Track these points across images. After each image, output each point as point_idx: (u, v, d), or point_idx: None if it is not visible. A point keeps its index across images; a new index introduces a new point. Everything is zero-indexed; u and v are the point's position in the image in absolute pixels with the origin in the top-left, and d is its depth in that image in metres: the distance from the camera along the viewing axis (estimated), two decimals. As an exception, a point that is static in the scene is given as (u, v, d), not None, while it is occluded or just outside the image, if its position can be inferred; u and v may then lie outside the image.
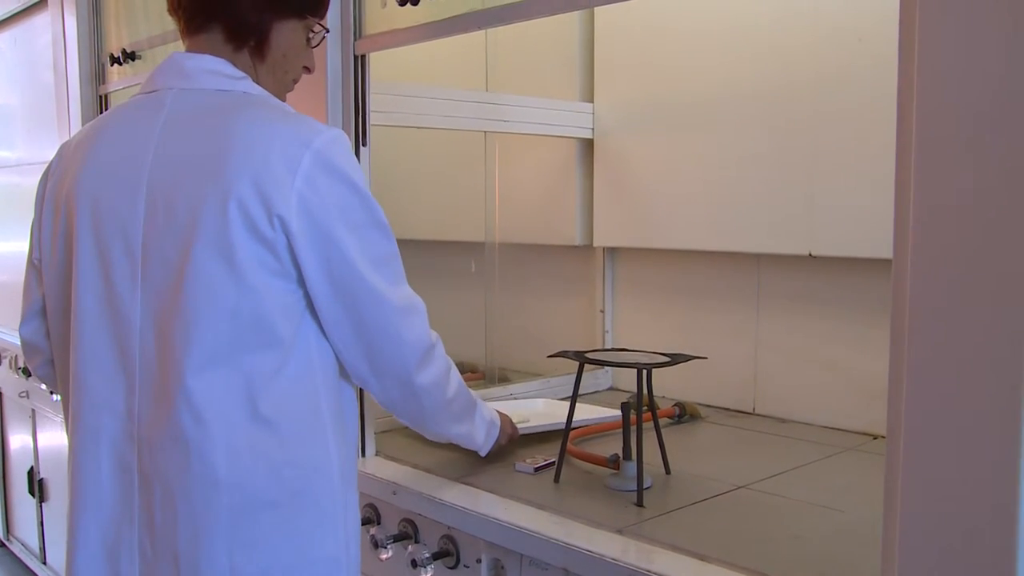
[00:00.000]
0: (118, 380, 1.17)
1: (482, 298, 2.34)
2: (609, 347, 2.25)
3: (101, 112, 2.55)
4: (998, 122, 0.79)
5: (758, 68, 1.88)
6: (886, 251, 0.89)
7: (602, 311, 2.30)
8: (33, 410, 3.07)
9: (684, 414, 1.93)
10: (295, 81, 1.34)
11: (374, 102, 1.67)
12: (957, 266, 0.82)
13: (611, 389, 2.28)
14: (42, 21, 2.86)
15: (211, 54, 1.22)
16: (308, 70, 1.34)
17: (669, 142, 2.07)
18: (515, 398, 2.07)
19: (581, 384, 1.54)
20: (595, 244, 2.27)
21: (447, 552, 1.44)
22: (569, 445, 1.56)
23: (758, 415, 1.99)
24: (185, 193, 1.13)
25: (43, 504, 3.10)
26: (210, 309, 1.11)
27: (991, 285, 0.80)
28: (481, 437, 1.51)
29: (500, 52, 2.31)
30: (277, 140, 1.13)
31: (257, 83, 1.25)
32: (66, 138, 1.44)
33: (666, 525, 1.31)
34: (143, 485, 1.16)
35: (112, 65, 2.53)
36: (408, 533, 1.52)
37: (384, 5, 1.58)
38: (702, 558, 1.18)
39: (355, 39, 1.63)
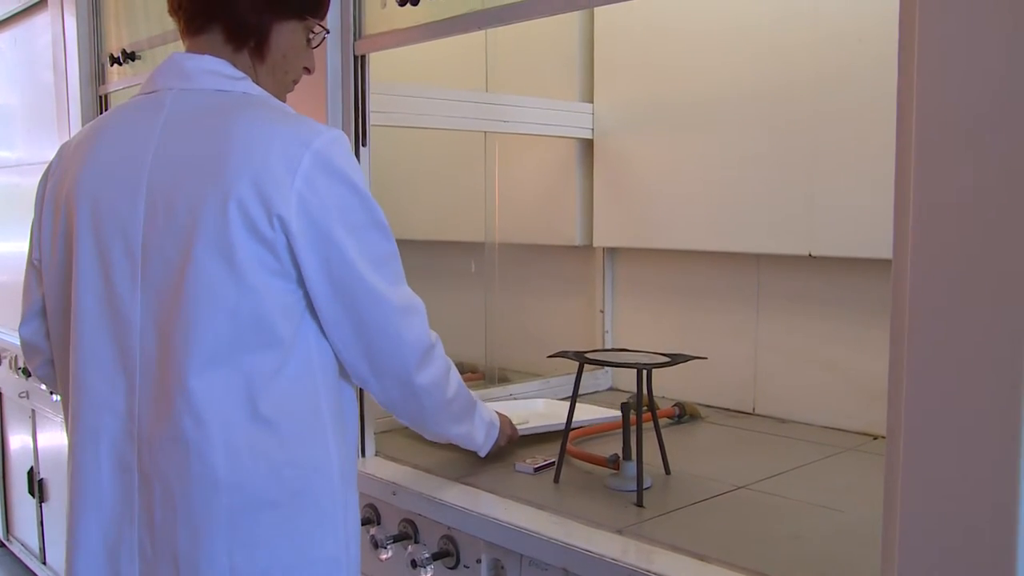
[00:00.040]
0: (118, 380, 1.17)
1: (482, 298, 2.34)
2: (609, 347, 2.25)
3: (101, 112, 2.55)
4: (998, 122, 0.79)
5: (758, 68, 1.88)
6: (886, 251, 0.88)
7: (602, 311, 2.30)
8: (33, 410, 3.07)
9: (684, 414, 1.93)
10: (295, 82, 1.34)
11: (374, 102, 1.67)
12: (957, 266, 0.82)
13: (611, 389, 2.28)
14: (42, 21, 2.86)
15: (211, 55, 1.22)
16: (308, 71, 1.34)
17: (669, 142, 2.07)
18: (515, 398, 2.07)
19: (581, 384, 1.54)
20: (595, 244, 2.27)
21: (447, 552, 1.44)
22: (569, 445, 1.56)
23: (758, 415, 1.99)
24: (185, 193, 1.13)
25: (43, 504, 3.10)
26: (210, 309, 1.11)
27: (991, 285, 0.80)
28: (481, 437, 1.51)
29: (500, 52, 2.31)
30: (277, 140, 1.13)
31: (257, 84, 1.25)
32: (66, 138, 1.44)
33: (666, 525, 1.31)
34: (143, 485, 1.16)
35: (112, 65, 2.53)
36: (408, 533, 1.52)
37: (384, 5, 1.58)
38: (702, 558, 1.18)
39: (355, 39, 1.63)
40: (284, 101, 1.29)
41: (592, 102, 2.24)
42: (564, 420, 1.54)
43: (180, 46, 1.28)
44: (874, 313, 1.72)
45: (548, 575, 1.28)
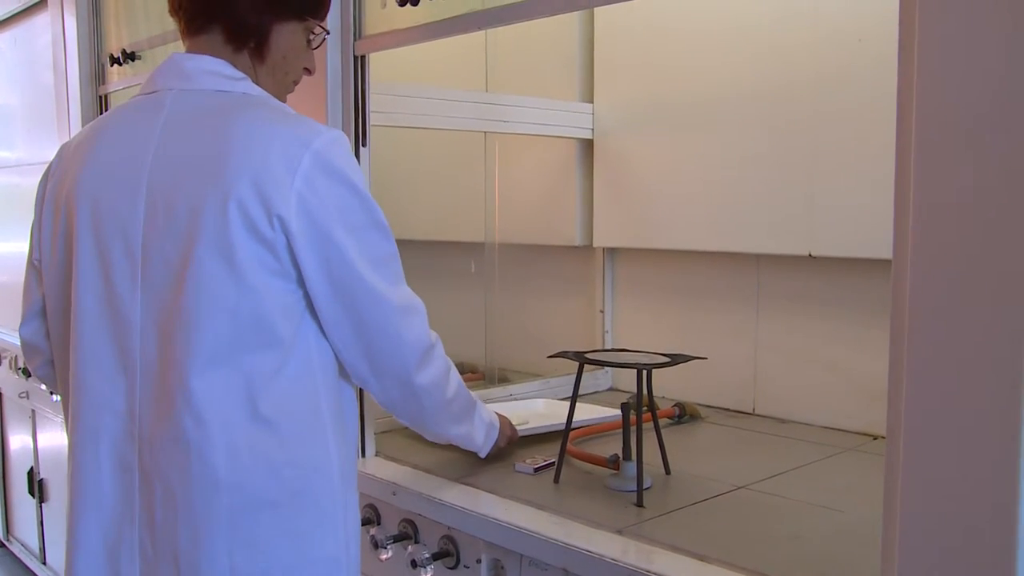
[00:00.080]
0: (118, 380, 1.17)
1: (482, 298, 2.34)
2: (609, 347, 2.25)
3: (101, 112, 2.56)
4: (998, 122, 0.79)
5: (758, 68, 1.88)
6: (886, 251, 0.88)
7: (602, 311, 2.30)
8: (33, 410, 3.07)
9: (684, 414, 1.93)
10: (295, 83, 1.34)
11: (374, 102, 1.67)
12: (957, 266, 0.82)
13: (611, 389, 2.28)
14: (42, 21, 2.86)
15: (211, 55, 1.22)
16: (308, 72, 1.34)
17: (669, 142, 2.07)
18: (515, 399, 2.07)
19: (581, 384, 1.54)
20: (595, 244, 2.27)
21: (447, 552, 1.44)
22: (569, 445, 1.56)
23: (758, 415, 1.99)
24: (185, 194, 1.13)
25: (43, 504, 3.10)
26: (210, 309, 1.11)
27: (991, 285, 0.80)
28: (480, 438, 1.51)
29: (500, 52, 2.31)
30: (277, 140, 1.13)
31: (257, 84, 1.25)
32: (66, 138, 1.44)
33: (666, 525, 1.31)
34: (144, 484, 1.16)
35: (112, 65, 2.53)
36: (408, 533, 1.52)
37: (384, 5, 1.58)
38: (702, 558, 1.18)
39: (355, 39, 1.63)
40: (284, 102, 1.29)
41: (592, 102, 2.24)
42: (564, 420, 1.54)
43: (180, 46, 1.28)
44: (874, 313, 1.72)
45: (548, 575, 1.28)
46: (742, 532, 1.29)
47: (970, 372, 0.82)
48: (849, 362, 1.82)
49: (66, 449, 1.26)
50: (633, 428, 1.45)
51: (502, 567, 1.37)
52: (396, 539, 1.52)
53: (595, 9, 2.18)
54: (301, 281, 1.15)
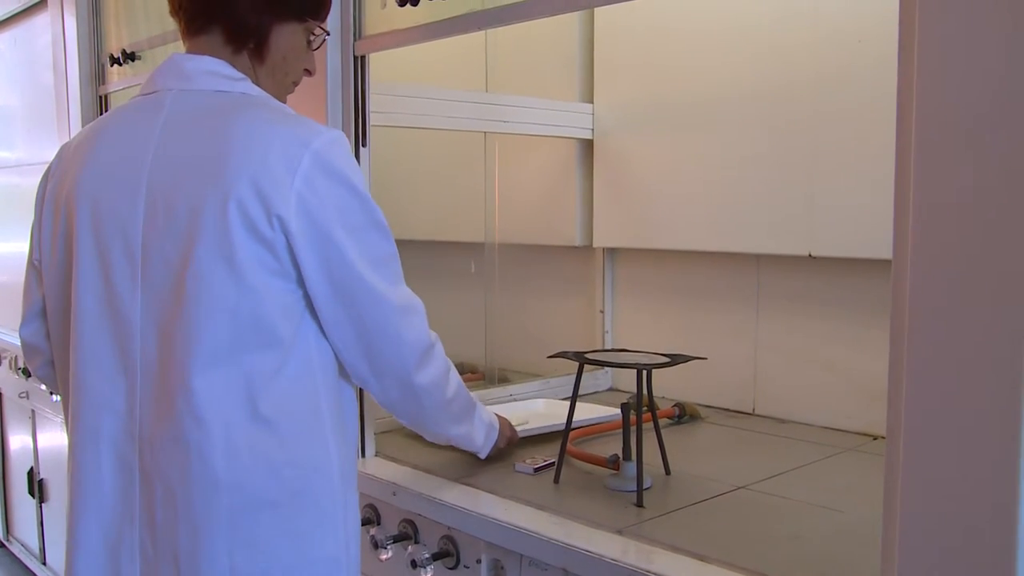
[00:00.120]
0: (118, 380, 1.17)
1: (482, 298, 2.34)
2: (609, 347, 2.25)
3: (101, 113, 2.56)
4: (998, 122, 0.79)
5: (758, 68, 1.88)
6: (886, 251, 0.89)
7: (602, 311, 2.30)
8: (33, 411, 3.07)
9: (684, 415, 1.93)
10: (295, 84, 1.34)
11: (374, 103, 1.67)
12: (957, 265, 0.82)
13: (611, 390, 2.28)
14: (42, 21, 2.86)
15: (211, 56, 1.22)
16: (309, 73, 1.34)
17: (669, 142, 2.07)
18: (515, 399, 2.07)
19: (581, 385, 1.54)
20: (595, 244, 2.27)
21: (447, 552, 1.44)
22: (569, 445, 1.56)
23: (758, 415, 1.99)
24: (185, 194, 1.13)
25: (43, 504, 3.10)
26: (210, 309, 1.11)
27: (991, 284, 0.80)
28: (480, 439, 1.52)
29: (500, 52, 2.31)
30: (276, 140, 1.13)
31: (257, 85, 1.25)
32: (66, 139, 1.45)
33: (666, 525, 1.31)
34: (144, 484, 1.16)
35: (112, 66, 2.53)
36: (408, 534, 1.52)
37: (384, 6, 1.58)
38: (702, 558, 1.18)
39: (355, 40, 1.63)
40: (284, 103, 1.29)
41: (592, 102, 2.24)
42: (564, 420, 1.54)
43: (180, 46, 1.28)
44: (874, 313, 1.72)
45: (548, 575, 1.28)
46: (742, 532, 1.29)
47: (970, 372, 0.82)
48: (849, 362, 1.82)
49: (66, 449, 1.25)
50: (633, 428, 1.45)
51: (502, 567, 1.37)
52: (396, 539, 1.52)
53: (595, 9, 2.18)
54: (301, 281, 1.16)
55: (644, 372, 1.49)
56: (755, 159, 1.90)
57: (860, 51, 1.70)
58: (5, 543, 3.50)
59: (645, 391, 1.50)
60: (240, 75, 1.23)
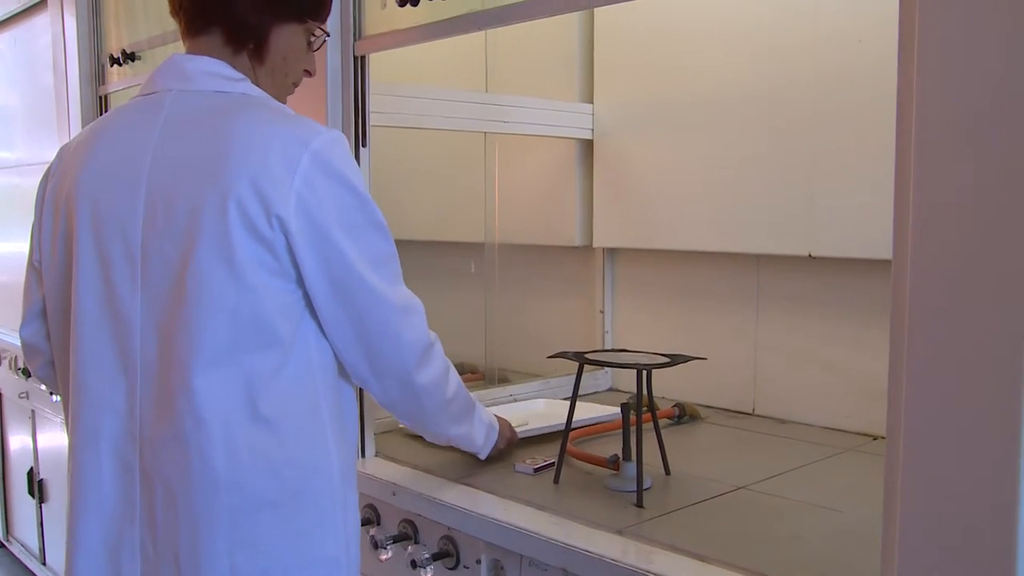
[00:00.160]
0: (119, 380, 1.17)
1: (482, 298, 2.34)
2: (609, 348, 2.25)
3: (101, 113, 2.56)
4: (998, 121, 0.79)
5: (758, 68, 1.88)
6: (886, 251, 0.89)
7: (602, 312, 2.30)
8: (33, 411, 3.07)
9: (684, 415, 1.93)
10: (295, 84, 1.34)
11: (374, 103, 1.67)
12: (957, 265, 0.82)
13: (611, 390, 2.28)
14: (42, 21, 2.86)
15: (211, 56, 1.22)
16: (309, 74, 1.34)
17: (669, 142, 2.07)
18: (515, 399, 2.07)
19: (581, 385, 1.54)
20: (595, 245, 2.27)
21: (447, 553, 1.44)
22: (569, 446, 1.56)
23: (758, 416, 1.99)
24: (184, 194, 1.13)
25: (43, 505, 3.10)
26: (210, 309, 1.11)
27: (991, 284, 0.80)
28: (480, 439, 1.52)
29: (500, 52, 2.31)
30: (276, 140, 1.13)
31: (257, 85, 1.25)
32: (66, 139, 1.45)
33: (666, 526, 1.31)
34: (144, 484, 1.16)
35: (112, 66, 2.53)
36: (408, 534, 1.52)
37: (384, 6, 1.58)
38: (702, 559, 1.18)
39: (355, 40, 1.63)
40: (284, 103, 1.29)
41: (592, 102, 2.24)
42: (564, 420, 1.54)
43: (180, 47, 1.28)
44: (874, 313, 1.72)
45: (548, 575, 1.28)
46: (742, 532, 1.29)
47: (970, 372, 0.82)
48: (849, 362, 1.82)
49: (66, 449, 1.26)
50: (633, 428, 1.45)
51: (502, 567, 1.37)
52: (396, 539, 1.52)
53: (595, 9, 2.18)
54: (300, 281, 1.16)
55: (644, 372, 1.49)
56: (755, 159, 1.90)
57: (860, 51, 1.70)
58: (5, 543, 3.50)
59: (645, 391, 1.50)
60: (240, 76, 1.23)
